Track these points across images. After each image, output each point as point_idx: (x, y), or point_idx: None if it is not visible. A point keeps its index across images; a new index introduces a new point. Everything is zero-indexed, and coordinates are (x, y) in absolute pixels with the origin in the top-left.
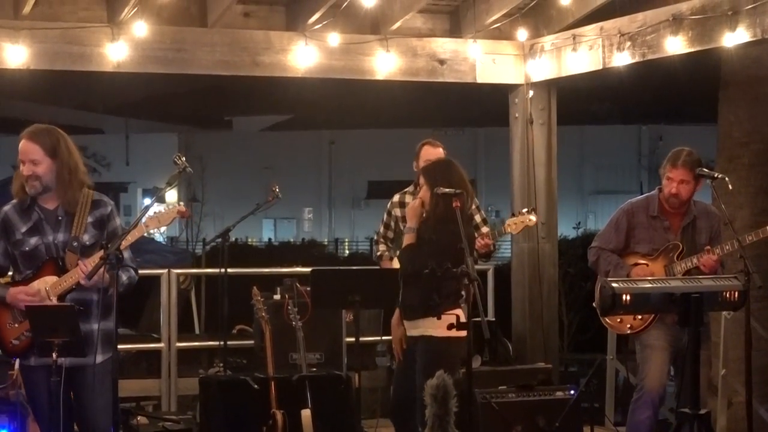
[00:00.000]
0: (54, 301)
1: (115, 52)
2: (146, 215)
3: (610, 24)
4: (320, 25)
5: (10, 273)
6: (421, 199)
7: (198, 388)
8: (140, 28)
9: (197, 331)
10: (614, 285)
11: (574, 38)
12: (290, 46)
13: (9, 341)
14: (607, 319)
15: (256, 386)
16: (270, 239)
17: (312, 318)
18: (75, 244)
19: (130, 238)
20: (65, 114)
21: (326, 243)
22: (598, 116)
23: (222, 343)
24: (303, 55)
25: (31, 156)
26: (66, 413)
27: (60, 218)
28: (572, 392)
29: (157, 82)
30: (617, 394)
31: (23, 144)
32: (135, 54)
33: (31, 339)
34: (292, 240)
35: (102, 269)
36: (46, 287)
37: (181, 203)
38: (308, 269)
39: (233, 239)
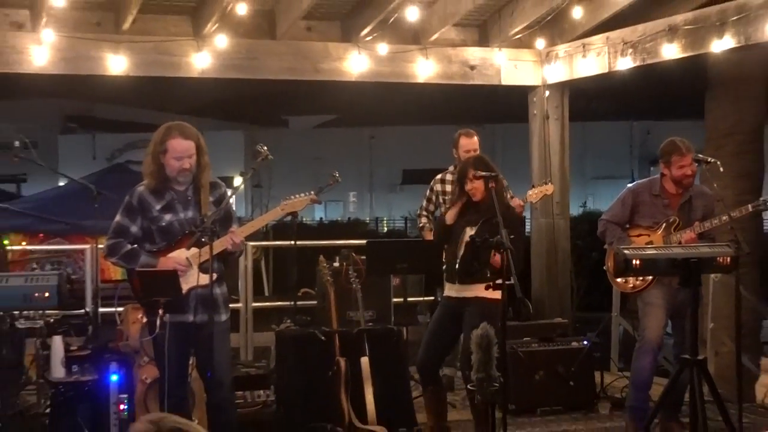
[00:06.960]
0: (195, 269)
1: (200, 61)
2: (284, 201)
3: (615, 34)
4: (371, 37)
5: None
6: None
7: (270, 341)
8: (221, 41)
9: (266, 294)
10: (626, 252)
11: (584, 46)
12: (345, 55)
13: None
14: (617, 279)
15: (323, 338)
16: (321, 218)
17: (365, 282)
18: (204, 221)
19: (269, 218)
20: (147, 114)
21: (368, 221)
22: (597, 113)
23: (293, 303)
24: (356, 63)
25: (190, 152)
26: (185, 363)
27: (189, 198)
28: (585, 342)
29: (225, 87)
30: (619, 345)
31: (183, 143)
32: (216, 62)
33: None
34: (339, 219)
35: (241, 240)
36: (188, 257)
37: (312, 192)
38: (364, 241)
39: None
